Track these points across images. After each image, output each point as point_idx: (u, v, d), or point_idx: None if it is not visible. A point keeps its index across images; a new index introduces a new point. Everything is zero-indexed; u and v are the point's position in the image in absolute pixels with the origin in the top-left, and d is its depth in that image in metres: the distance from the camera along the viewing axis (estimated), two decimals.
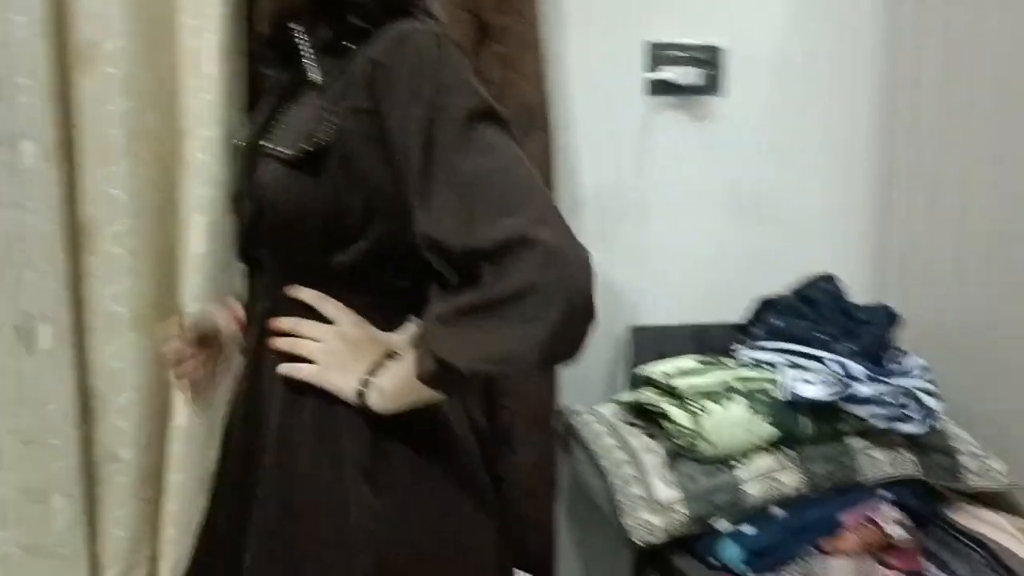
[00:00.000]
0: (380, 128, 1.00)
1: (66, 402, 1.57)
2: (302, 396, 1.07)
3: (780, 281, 1.86)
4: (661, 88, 1.92)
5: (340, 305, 1.06)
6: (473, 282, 0.91)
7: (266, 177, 1.06)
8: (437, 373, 0.93)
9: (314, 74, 1.09)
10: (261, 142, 1.10)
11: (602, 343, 1.94)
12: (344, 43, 1.08)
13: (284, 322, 1.08)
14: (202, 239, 1.57)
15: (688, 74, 1.92)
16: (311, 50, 1.12)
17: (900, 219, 2.03)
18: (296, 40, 1.13)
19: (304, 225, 1.03)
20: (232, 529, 1.14)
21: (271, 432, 1.09)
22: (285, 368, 1.06)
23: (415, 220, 0.95)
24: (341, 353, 1.05)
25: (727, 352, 1.79)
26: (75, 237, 1.58)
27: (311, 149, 1.01)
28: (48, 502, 1.59)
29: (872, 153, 2.06)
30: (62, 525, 1.60)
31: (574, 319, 0.89)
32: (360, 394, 1.02)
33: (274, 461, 1.09)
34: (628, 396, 1.77)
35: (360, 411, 1.05)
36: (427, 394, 0.98)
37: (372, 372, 1.02)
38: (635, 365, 1.87)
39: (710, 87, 1.95)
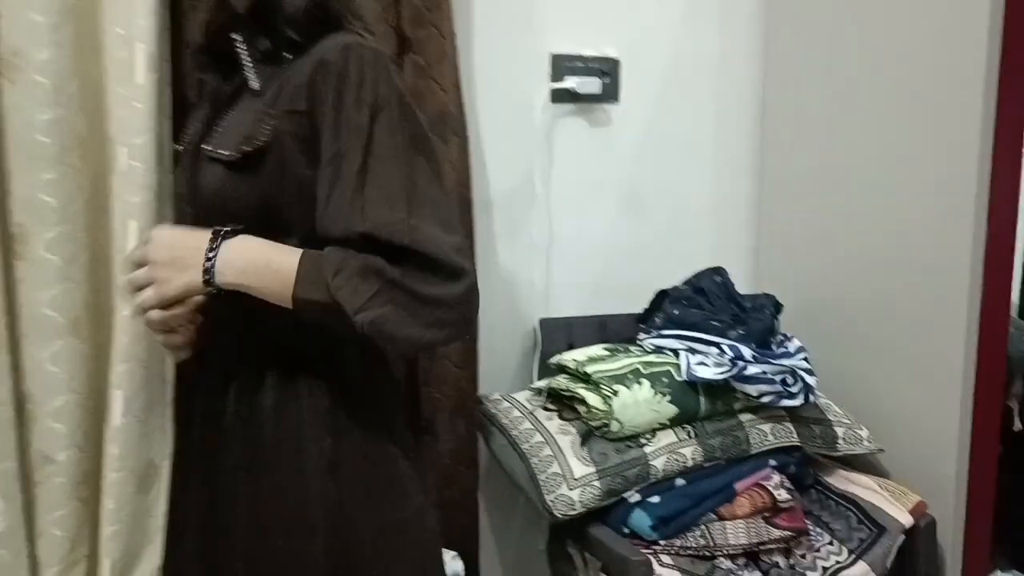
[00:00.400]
0: (311, 129, 1.09)
1: (2, 407, 1.59)
2: (261, 388, 1.16)
3: (673, 273, 2.04)
4: (563, 96, 2.07)
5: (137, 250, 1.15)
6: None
7: (208, 179, 1.15)
8: (318, 303, 1.04)
9: (253, 81, 1.18)
10: (202, 146, 1.18)
11: (515, 335, 2.08)
12: (282, 53, 1.18)
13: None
14: (135, 244, 1.62)
15: (587, 83, 2.07)
16: (250, 59, 1.20)
17: (774, 214, 2.25)
18: (236, 49, 1.22)
19: (245, 222, 1.11)
20: (203, 518, 1.22)
21: (232, 424, 1.18)
22: (132, 312, 1.13)
23: (337, 210, 1.05)
24: (170, 258, 1.10)
25: (630, 340, 1.96)
26: (7, 244, 1.60)
27: (250, 150, 1.10)
28: None
29: (748, 154, 2.27)
30: (1, 528, 1.62)
31: (450, 341, 1.08)
32: (207, 272, 1.08)
33: (239, 456, 1.17)
34: (542, 383, 1.92)
35: (319, 398, 1.14)
36: (278, 289, 1.07)
37: (211, 250, 1.08)
38: (545, 354, 2.02)
39: (607, 95, 2.11)
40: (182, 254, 1.10)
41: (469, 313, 1.08)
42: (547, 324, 2.07)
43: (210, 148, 1.16)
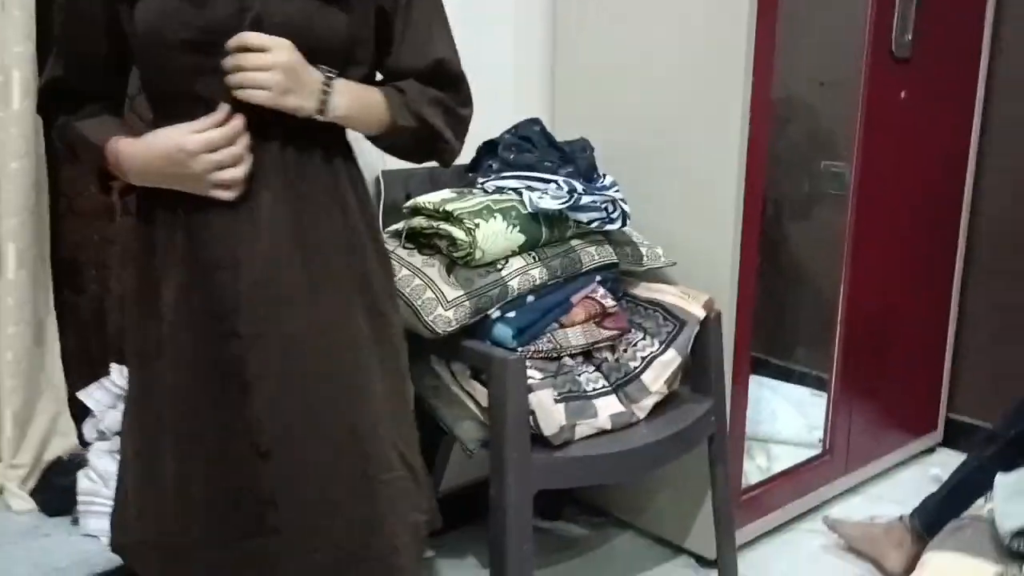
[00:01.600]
0: None
1: None
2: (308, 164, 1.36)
3: (488, 128, 2.31)
4: None
5: (262, 36, 1.23)
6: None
7: (291, 11, 1.26)
8: (410, 128, 1.38)
9: None
10: None
11: None
12: None
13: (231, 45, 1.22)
14: (20, 95, 1.61)
15: None
16: None
17: (566, 71, 2.59)
18: None
19: (330, 54, 1.30)
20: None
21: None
22: (243, 94, 1.22)
23: (414, 44, 1.38)
24: (292, 76, 1.24)
25: (469, 185, 2.22)
26: None
27: None
28: None
29: (543, 25, 2.59)
30: None
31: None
32: (323, 103, 1.28)
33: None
34: (398, 225, 2.13)
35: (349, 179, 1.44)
36: (372, 120, 1.37)
37: (327, 85, 1.28)
38: (387, 203, 2.23)
39: None
40: (305, 77, 1.25)
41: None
42: (388, 175, 2.26)
43: None
